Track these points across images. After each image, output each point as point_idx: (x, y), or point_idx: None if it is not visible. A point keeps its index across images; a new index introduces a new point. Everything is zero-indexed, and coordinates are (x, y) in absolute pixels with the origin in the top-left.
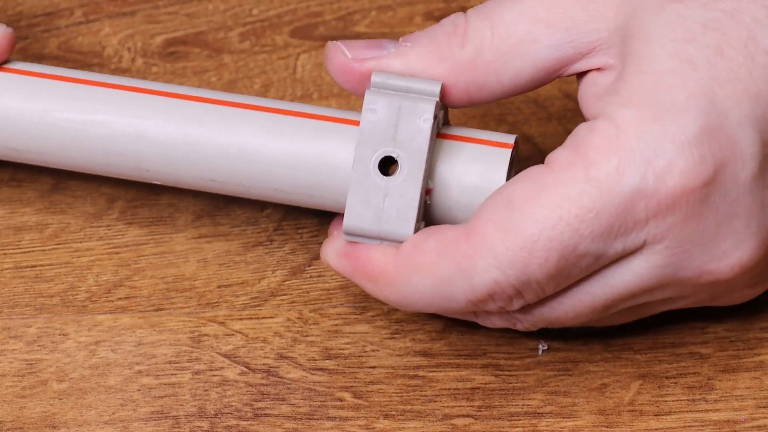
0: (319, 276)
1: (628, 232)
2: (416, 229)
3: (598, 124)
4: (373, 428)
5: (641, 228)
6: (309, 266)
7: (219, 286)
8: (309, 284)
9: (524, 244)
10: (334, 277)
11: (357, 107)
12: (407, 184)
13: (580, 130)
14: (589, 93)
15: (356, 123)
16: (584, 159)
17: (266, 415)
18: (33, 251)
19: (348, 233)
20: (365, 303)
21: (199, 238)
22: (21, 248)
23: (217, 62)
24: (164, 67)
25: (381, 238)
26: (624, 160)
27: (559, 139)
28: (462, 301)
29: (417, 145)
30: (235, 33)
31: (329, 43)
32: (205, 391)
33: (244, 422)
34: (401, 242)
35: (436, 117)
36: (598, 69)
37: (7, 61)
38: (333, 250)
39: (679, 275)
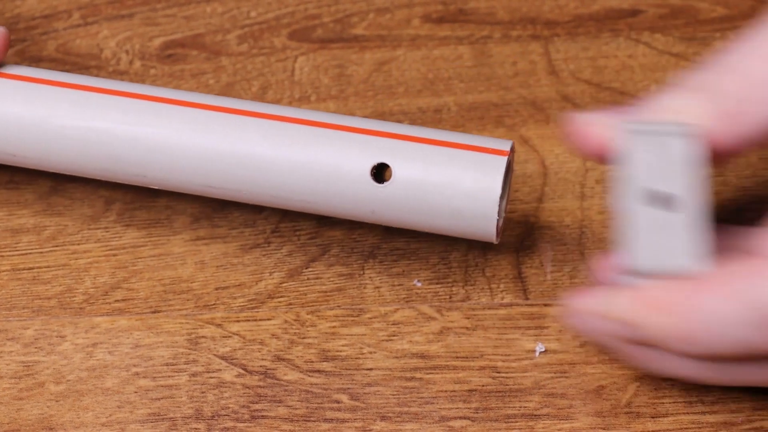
0: (317, 278)
1: None
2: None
3: None
4: (370, 430)
5: None
6: (306, 268)
7: (216, 288)
8: (306, 286)
9: None
10: (331, 279)
11: (355, 109)
12: (690, 219)
13: None
14: None
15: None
16: None
17: (263, 417)
18: (30, 253)
19: (632, 274)
20: (362, 305)
21: (197, 241)
22: (18, 250)
23: (215, 64)
24: (162, 69)
25: (668, 276)
26: None
27: (556, 142)
28: None
29: (690, 179)
30: (233, 35)
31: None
32: (202, 393)
33: (241, 424)
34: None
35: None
36: None
37: (5, 65)
38: (623, 300)
39: None
